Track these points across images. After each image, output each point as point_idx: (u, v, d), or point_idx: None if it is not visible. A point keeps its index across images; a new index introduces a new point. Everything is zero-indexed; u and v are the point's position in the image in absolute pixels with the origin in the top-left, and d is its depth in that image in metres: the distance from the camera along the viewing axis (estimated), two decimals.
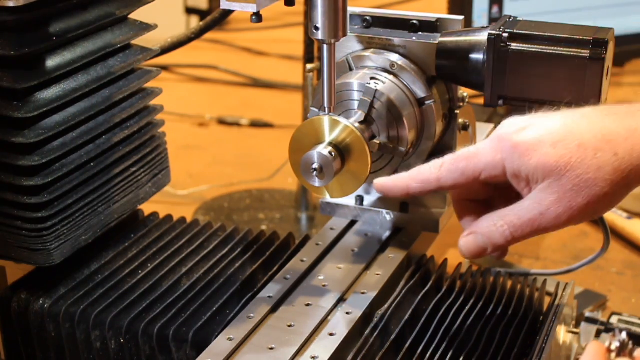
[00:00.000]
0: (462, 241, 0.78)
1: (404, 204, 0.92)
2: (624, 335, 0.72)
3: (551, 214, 0.73)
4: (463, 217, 0.81)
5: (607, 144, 0.71)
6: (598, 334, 0.92)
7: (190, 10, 2.08)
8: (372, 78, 0.86)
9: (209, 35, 1.08)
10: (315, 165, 0.80)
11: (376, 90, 0.84)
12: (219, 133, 1.63)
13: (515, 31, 0.82)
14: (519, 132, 0.74)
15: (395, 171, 0.90)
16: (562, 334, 0.84)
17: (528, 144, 0.73)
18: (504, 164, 0.75)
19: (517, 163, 0.74)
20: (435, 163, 0.79)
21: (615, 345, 0.71)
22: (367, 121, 0.85)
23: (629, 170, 0.71)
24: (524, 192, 0.75)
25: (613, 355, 0.73)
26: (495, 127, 0.88)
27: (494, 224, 0.76)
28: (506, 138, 0.75)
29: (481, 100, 0.86)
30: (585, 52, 0.80)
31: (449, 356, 0.76)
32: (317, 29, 0.78)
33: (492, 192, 0.81)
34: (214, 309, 0.81)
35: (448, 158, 0.78)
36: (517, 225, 0.75)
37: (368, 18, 0.90)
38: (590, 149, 0.72)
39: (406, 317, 0.80)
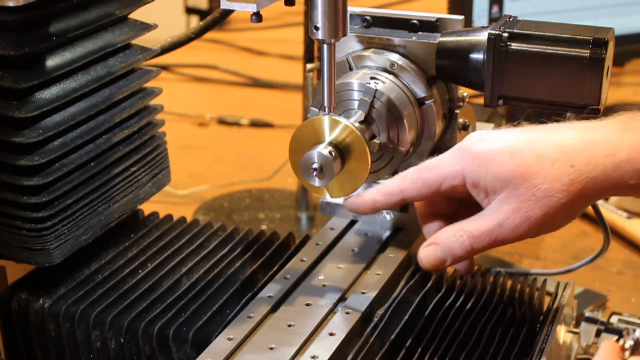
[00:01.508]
0: (422, 252, 0.79)
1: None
2: (637, 333, 0.72)
3: (509, 225, 0.74)
4: (429, 233, 0.82)
5: (564, 155, 0.72)
6: (598, 334, 0.92)
7: (190, 10, 2.08)
8: (372, 78, 0.86)
9: (209, 35, 1.08)
10: (315, 165, 0.80)
11: (376, 90, 0.84)
12: (219, 133, 1.63)
13: (515, 31, 0.82)
14: (478, 143, 0.76)
15: (395, 171, 0.90)
16: (562, 333, 0.84)
17: (487, 153, 0.74)
18: (463, 174, 0.76)
19: (475, 173, 0.75)
20: (399, 175, 0.80)
21: (629, 343, 0.71)
22: (367, 121, 0.84)
23: (585, 182, 0.72)
24: (483, 204, 0.76)
25: (627, 353, 0.73)
26: (494, 127, 0.88)
27: (454, 235, 0.76)
28: (466, 148, 0.76)
29: (481, 100, 0.86)
30: (585, 52, 0.80)
31: (448, 356, 0.76)
32: (317, 28, 0.78)
33: (456, 207, 0.82)
34: (214, 308, 0.81)
35: (411, 170, 0.79)
36: (476, 235, 0.75)
37: (368, 18, 0.90)
38: (547, 160, 0.73)
39: (406, 317, 0.80)
